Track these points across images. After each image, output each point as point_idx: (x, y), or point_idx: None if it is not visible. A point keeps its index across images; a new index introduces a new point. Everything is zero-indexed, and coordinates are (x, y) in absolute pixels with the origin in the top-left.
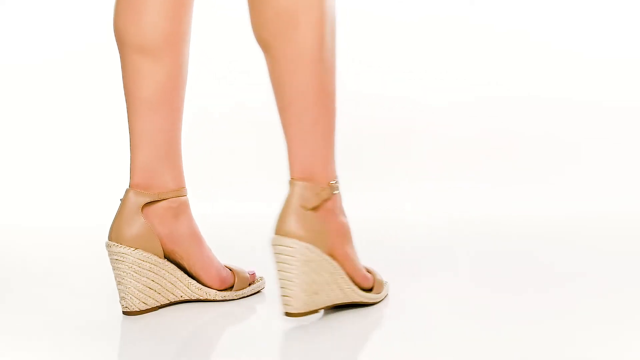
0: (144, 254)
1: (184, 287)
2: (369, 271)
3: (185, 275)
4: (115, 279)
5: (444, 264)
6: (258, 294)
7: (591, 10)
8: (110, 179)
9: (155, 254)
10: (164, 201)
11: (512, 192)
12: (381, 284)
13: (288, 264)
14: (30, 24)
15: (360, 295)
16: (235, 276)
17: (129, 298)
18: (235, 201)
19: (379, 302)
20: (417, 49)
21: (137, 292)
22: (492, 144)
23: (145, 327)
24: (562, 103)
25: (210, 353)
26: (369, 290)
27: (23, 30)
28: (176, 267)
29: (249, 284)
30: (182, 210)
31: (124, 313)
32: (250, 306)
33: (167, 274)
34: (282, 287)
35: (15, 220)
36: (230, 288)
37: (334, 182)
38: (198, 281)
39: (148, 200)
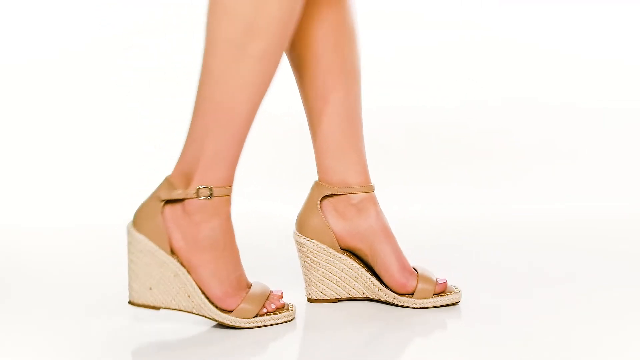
0: (319, 245)
1: (366, 285)
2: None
3: (367, 273)
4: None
5: (445, 264)
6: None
7: (590, 17)
8: (110, 179)
9: (331, 247)
10: (343, 196)
11: (515, 192)
12: (248, 311)
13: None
14: (30, 23)
15: (216, 314)
16: (419, 282)
17: (309, 286)
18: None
19: (248, 327)
20: (421, 53)
21: (315, 281)
22: (494, 145)
23: (147, 327)
24: (562, 106)
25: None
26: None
27: (24, 30)
28: (357, 263)
29: (439, 294)
30: (365, 206)
31: (308, 300)
32: None
33: (346, 269)
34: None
35: (15, 220)
36: (412, 295)
37: (204, 187)
38: (381, 281)
39: (326, 193)
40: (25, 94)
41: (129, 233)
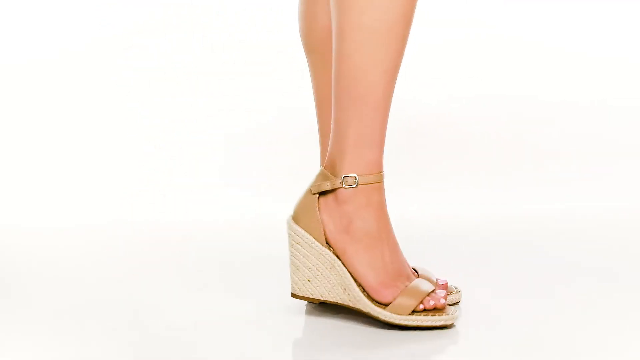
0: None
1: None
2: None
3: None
4: None
5: (445, 264)
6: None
7: (598, 14)
8: (110, 179)
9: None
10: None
11: (519, 193)
12: (404, 307)
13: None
14: (30, 23)
15: (371, 308)
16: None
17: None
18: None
19: (402, 324)
20: (425, 51)
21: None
22: (494, 145)
23: (147, 326)
24: (564, 105)
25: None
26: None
27: (24, 30)
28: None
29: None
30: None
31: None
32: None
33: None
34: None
35: (15, 220)
36: None
37: (350, 175)
38: None
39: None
40: (25, 94)
41: (288, 226)
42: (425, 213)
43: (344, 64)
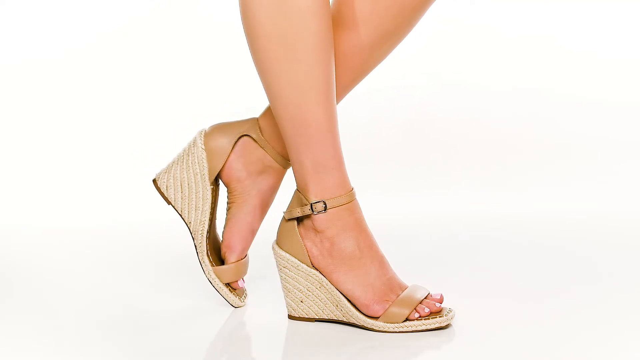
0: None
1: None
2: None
3: None
4: None
5: (444, 266)
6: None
7: (601, 10)
8: (110, 179)
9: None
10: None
11: (517, 193)
12: (396, 315)
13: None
14: (29, 23)
15: (364, 320)
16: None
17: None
18: None
19: (396, 332)
20: (425, 50)
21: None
22: (499, 144)
23: (145, 328)
24: (565, 103)
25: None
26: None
27: (23, 30)
28: None
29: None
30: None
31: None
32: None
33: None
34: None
35: (15, 220)
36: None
37: (317, 202)
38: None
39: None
40: (24, 93)
41: (273, 251)
42: (423, 213)
43: (276, 99)
